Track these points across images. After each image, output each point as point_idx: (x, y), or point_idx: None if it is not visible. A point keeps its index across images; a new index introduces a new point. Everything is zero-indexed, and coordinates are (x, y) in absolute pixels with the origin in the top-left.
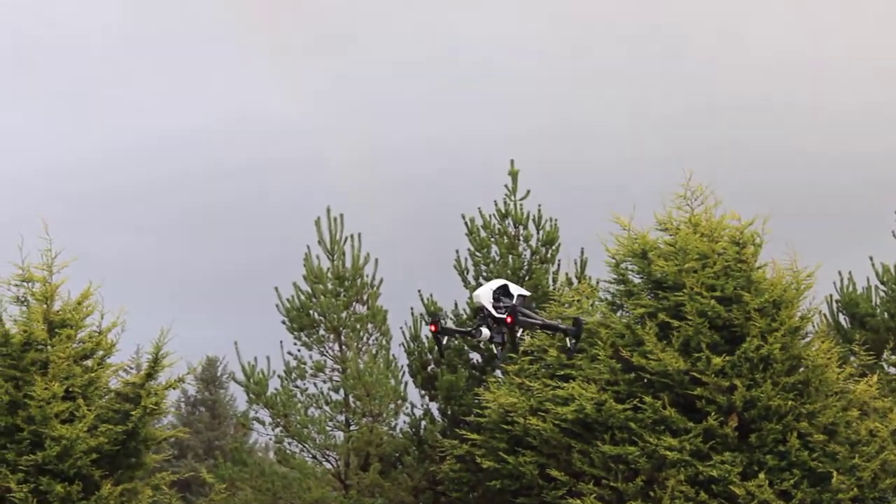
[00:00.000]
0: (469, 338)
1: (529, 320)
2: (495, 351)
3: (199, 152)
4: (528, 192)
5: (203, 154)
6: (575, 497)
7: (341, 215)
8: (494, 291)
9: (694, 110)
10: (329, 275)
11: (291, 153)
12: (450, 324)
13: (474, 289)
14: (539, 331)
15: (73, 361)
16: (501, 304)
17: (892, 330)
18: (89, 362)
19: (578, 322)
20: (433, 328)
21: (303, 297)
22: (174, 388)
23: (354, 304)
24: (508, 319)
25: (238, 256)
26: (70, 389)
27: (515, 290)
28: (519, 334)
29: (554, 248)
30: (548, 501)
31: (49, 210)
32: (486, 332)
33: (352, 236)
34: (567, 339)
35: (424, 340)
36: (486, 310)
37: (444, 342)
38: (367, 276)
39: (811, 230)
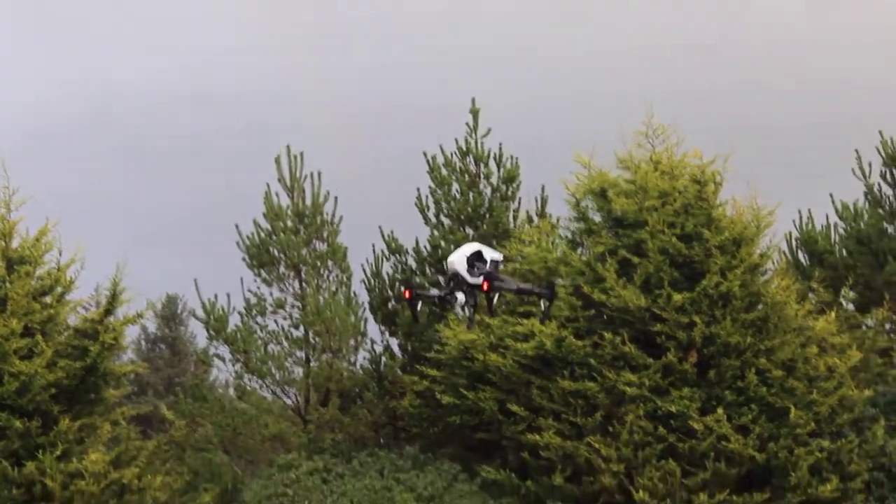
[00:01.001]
0: (443, 302)
1: (504, 285)
2: (467, 314)
3: (155, 89)
4: (489, 130)
5: (161, 90)
6: (534, 432)
7: (301, 153)
8: (468, 257)
9: (654, 48)
10: (289, 212)
11: (251, 86)
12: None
13: (435, 227)
14: (515, 293)
15: (31, 298)
16: (476, 270)
17: (851, 267)
18: (48, 299)
19: (551, 285)
20: (407, 294)
21: (263, 235)
22: (133, 324)
23: (314, 241)
24: (485, 286)
25: (199, 195)
26: (29, 326)
27: (489, 254)
28: (495, 300)
29: (514, 185)
30: (507, 436)
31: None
32: (460, 297)
33: (311, 174)
34: (541, 302)
35: (385, 277)
36: (461, 275)
37: (419, 307)
38: (326, 213)
39: (772, 169)
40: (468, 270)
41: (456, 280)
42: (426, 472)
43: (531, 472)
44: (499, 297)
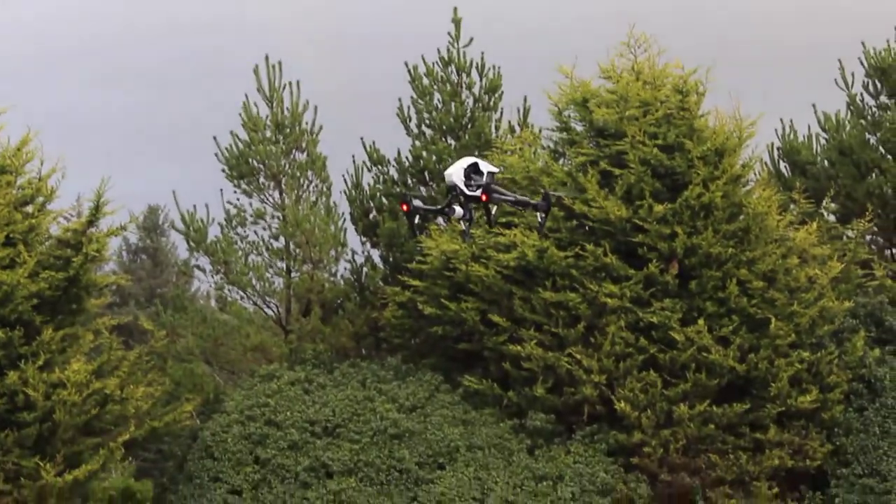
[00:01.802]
0: (441, 215)
1: (502, 197)
2: (463, 227)
3: (142, 9)
4: (472, 39)
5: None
6: (516, 343)
7: (279, 62)
8: (465, 169)
9: None
10: (268, 122)
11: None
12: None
13: (417, 137)
14: (512, 204)
15: (13, 208)
16: (473, 182)
17: (833, 178)
18: (29, 208)
19: (547, 197)
20: (404, 208)
21: (241, 146)
22: (116, 236)
23: (294, 151)
24: (483, 197)
25: (181, 109)
26: (10, 236)
27: (485, 166)
28: (494, 212)
29: (497, 95)
30: (489, 347)
31: None
32: (458, 210)
33: (290, 83)
34: (537, 214)
35: (366, 188)
36: (459, 188)
37: (417, 221)
38: (306, 123)
39: (754, 78)
40: (465, 183)
41: (454, 193)
42: (408, 382)
43: (513, 382)
44: (496, 208)
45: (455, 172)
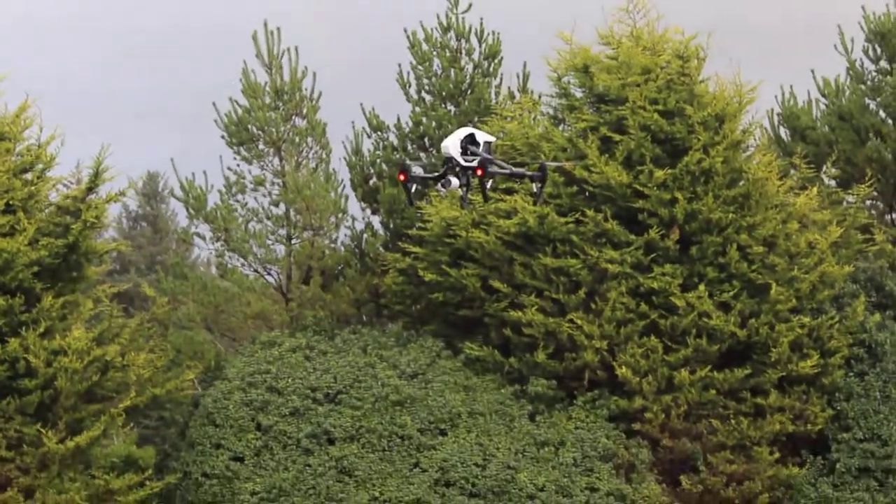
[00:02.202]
0: (437, 184)
1: (498, 170)
2: (461, 194)
3: None
4: (471, 5)
5: None
6: (517, 309)
7: (278, 28)
8: (462, 140)
9: None
10: (267, 89)
11: None
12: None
13: (417, 103)
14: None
15: (12, 175)
16: (469, 153)
17: (833, 143)
18: (29, 175)
19: (543, 168)
20: (402, 177)
21: (241, 112)
22: (115, 202)
23: (294, 117)
24: (479, 172)
25: (182, 78)
26: (10, 203)
27: (481, 136)
28: (488, 185)
29: (496, 61)
30: (490, 313)
31: None
32: (454, 181)
33: (289, 49)
34: (534, 185)
35: (366, 154)
36: (455, 160)
37: (413, 189)
38: (305, 89)
39: (754, 43)
40: (461, 154)
41: (450, 164)
42: (409, 349)
43: (514, 348)
44: (491, 181)
45: (451, 144)
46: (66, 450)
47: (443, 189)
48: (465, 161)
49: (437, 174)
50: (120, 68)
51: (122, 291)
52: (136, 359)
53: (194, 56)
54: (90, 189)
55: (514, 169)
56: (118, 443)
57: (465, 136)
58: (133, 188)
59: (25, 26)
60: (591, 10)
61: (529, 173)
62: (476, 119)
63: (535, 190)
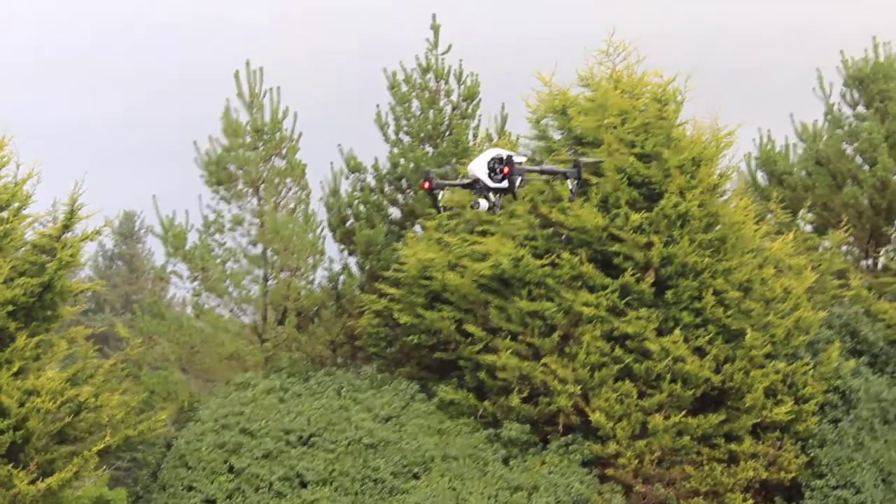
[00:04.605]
0: (466, 189)
1: (528, 168)
2: (494, 211)
3: (122, 11)
4: (450, 46)
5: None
6: (491, 352)
7: (261, 68)
8: (488, 162)
9: None
10: (248, 128)
11: (216, 11)
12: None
13: (395, 143)
14: (540, 175)
15: None
16: (497, 174)
17: (809, 188)
18: (5, 214)
19: (578, 164)
20: (426, 185)
21: (220, 151)
22: (91, 241)
23: (273, 157)
24: (506, 170)
25: (158, 115)
26: None
27: (517, 158)
28: (518, 183)
29: (475, 103)
30: (464, 357)
31: None
32: (483, 203)
33: (271, 90)
34: (568, 182)
35: (344, 195)
36: (482, 181)
37: (440, 196)
38: (286, 129)
39: (733, 88)
40: (489, 175)
41: (477, 186)
42: (383, 391)
43: (488, 392)
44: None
45: (478, 166)
46: (38, 491)
47: (473, 207)
48: (493, 181)
49: (464, 182)
50: (102, 106)
51: (96, 332)
52: (110, 400)
53: (176, 95)
54: (66, 227)
55: (546, 166)
56: (90, 484)
57: (493, 158)
58: (109, 226)
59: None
60: (572, 50)
61: (563, 170)
62: (454, 161)
63: (570, 187)
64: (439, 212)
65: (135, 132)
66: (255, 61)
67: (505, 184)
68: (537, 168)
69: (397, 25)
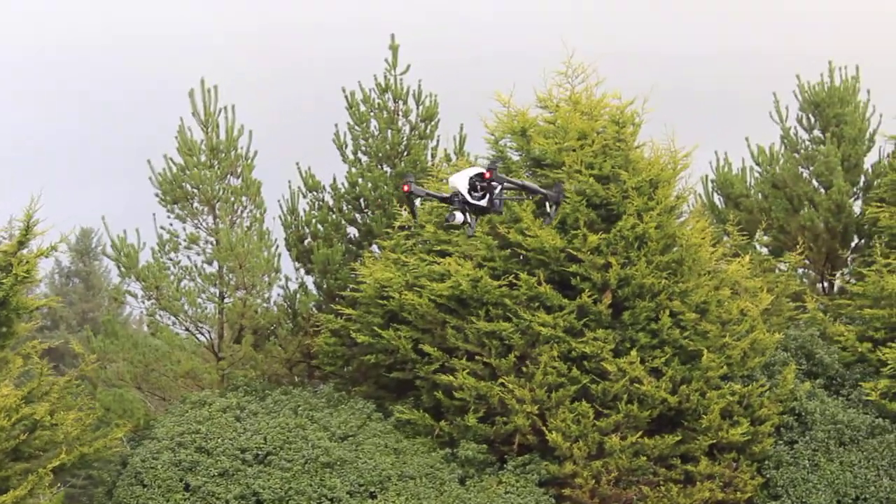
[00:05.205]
0: (444, 203)
1: (508, 179)
2: (467, 232)
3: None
4: (409, 66)
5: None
6: (448, 372)
7: (215, 87)
8: (471, 178)
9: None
10: (203, 146)
11: (173, 30)
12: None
13: (353, 163)
14: (518, 191)
15: None
16: (477, 192)
17: (766, 211)
18: None
19: (559, 187)
20: (406, 188)
21: (175, 170)
22: (46, 257)
23: (228, 176)
24: (487, 174)
25: (114, 134)
26: None
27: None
28: (497, 191)
29: (433, 123)
30: (421, 376)
31: None
32: (459, 216)
33: (226, 108)
34: (547, 204)
35: (301, 213)
36: (462, 194)
37: (418, 203)
38: (241, 148)
39: (690, 110)
40: (469, 192)
41: (457, 199)
42: (340, 410)
43: (445, 412)
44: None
45: (459, 180)
46: None
47: (449, 219)
48: (472, 198)
49: (443, 195)
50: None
51: (52, 348)
52: (65, 417)
53: (133, 113)
54: (21, 244)
55: (527, 182)
56: (44, 502)
57: (475, 175)
58: (64, 241)
59: None
60: (531, 70)
61: (543, 190)
62: (413, 180)
63: (548, 209)
64: (415, 217)
65: (93, 150)
66: (210, 79)
67: (483, 202)
68: (518, 182)
69: (356, 45)
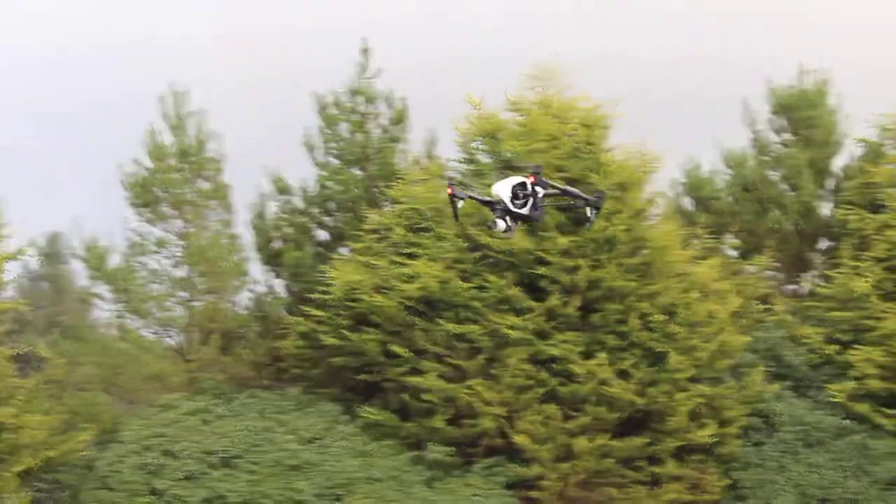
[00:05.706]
0: (488, 207)
1: (552, 182)
2: (508, 235)
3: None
4: (379, 70)
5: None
6: (416, 374)
7: (186, 91)
8: (514, 186)
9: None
10: (172, 150)
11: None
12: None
13: (323, 165)
14: (561, 196)
15: None
16: (520, 200)
17: (735, 213)
18: None
19: (601, 194)
20: (450, 190)
21: (145, 174)
22: (14, 260)
23: (198, 180)
24: (531, 179)
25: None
26: None
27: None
28: (540, 195)
29: (403, 126)
30: (389, 378)
31: None
32: (501, 223)
33: (195, 112)
34: (588, 209)
35: (271, 217)
36: (504, 203)
37: (460, 206)
38: (210, 151)
39: (661, 113)
40: (511, 200)
41: (498, 206)
42: (307, 413)
43: (412, 413)
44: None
45: (502, 188)
46: None
47: (491, 227)
48: (514, 207)
49: (486, 199)
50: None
51: (19, 353)
52: (31, 420)
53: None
54: None
55: (570, 188)
56: None
57: (518, 184)
58: (34, 247)
59: None
60: (501, 73)
61: (586, 196)
62: (382, 184)
63: (588, 214)
64: (457, 219)
65: (64, 154)
66: (183, 84)
67: (525, 210)
68: (561, 187)
69: (327, 48)
